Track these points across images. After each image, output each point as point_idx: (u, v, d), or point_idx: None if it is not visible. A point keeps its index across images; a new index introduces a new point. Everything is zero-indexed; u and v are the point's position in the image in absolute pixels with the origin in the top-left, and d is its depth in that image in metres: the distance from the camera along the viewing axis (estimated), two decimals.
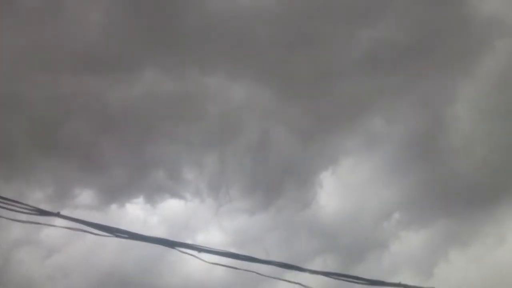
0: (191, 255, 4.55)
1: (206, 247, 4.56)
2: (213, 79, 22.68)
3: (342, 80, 22.74)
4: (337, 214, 23.26)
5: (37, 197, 16.88)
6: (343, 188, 24.42)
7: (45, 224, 4.25)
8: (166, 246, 4.51)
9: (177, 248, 4.52)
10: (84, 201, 18.06)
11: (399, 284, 5.24)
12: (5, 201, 4.03)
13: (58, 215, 4.19)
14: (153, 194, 19.96)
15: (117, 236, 4.34)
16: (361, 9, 23.23)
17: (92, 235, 4.38)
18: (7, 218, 4.04)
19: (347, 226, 23.27)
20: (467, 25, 21.86)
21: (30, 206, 4.17)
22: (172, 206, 20.22)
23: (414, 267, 21.99)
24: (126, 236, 4.35)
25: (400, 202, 23.20)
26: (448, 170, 22.34)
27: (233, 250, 4.85)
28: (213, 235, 21.82)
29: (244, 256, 4.68)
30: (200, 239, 21.02)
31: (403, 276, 21.27)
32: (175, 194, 20.23)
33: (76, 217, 4.27)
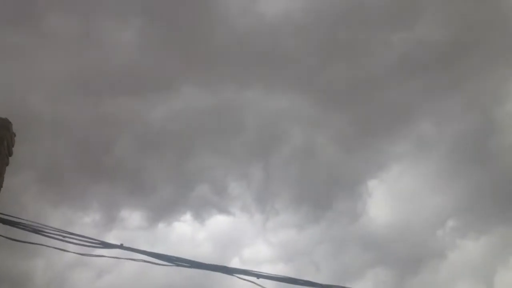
0: (250, 281, 4.50)
1: (265, 273, 4.51)
2: (251, 92, 22.77)
3: (383, 85, 22.32)
4: (388, 224, 22.60)
5: (85, 222, 17.19)
6: (393, 197, 23.74)
7: (109, 257, 4.32)
8: (225, 273, 4.49)
9: (235, 275, 4.49)
10: (133, 222, 18.32)
11: None
12: (71, 235, 4.14)
13: (121, 247, 4.26)
14: (200, 210, 20.11)
15: (178, 265, 4.36)
16: (395, 13, 22.77)
17: None
18: (74, 252, 4.14)
19: (400, 237, 22.52)
20: (508, 20, 21.05)
21: (95, 240, 4.26)
22: (219, 221, 20.27)
23: (473, 276, 21.05)
24: (188, 265, 4.36)
25: (454, 209, 22.30)
26: (502, 172, 21.39)
27: (281, 264, 4.78)
28: (261, 250, 21.71)
29: (303, 280, 4.60)
30: (247, 255, 20.99)
31: (462, 285, 20.51)
32: (222, 210, 20.29)
33: (138, 248, 4.32)
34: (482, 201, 21.34)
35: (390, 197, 24.32)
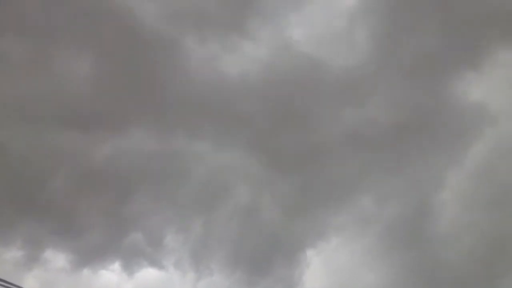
0: None
1: None
2: (201, 144, 22.43)
3: (331, 157, 22.83)
4: None
5: (5, 258, 15.52)
6: (329, 269, 23.53)
7: None
8: None
9: None
10: (56, 264, 16.70)
11: None
12: None
13: None
14: (131, 260, 18.69)
15: None
16: (349, 88, 23.98)
17: None
18: None
19: None
20: (456, 112, 22.67)
21: None
22: (149, 275, 18.90)
23: None
24: None
25: (384, 287, 22.44)
26: (434, 258, 21.92)
27: None
28: None
29: None
30: None
31: None
32: (154, 263, 19.00)
33: None
34: (413, 283, 21.63)
35: (327, 269, 24.14)
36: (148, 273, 18.92)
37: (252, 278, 19.84)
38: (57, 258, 16.75)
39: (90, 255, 17.83)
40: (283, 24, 23.67)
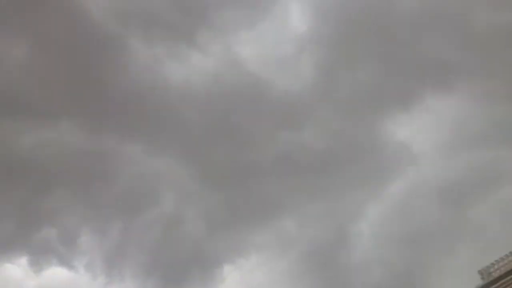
0: None
1: None
2: (132, 147, 22.03)
3: (261, 176, 23.21)
4: None
5: None
6: (245, 286, 23.69)
7: None
8: None
9: None
10: None
11: None
12: None
13: None
14: (40, 257, 17.87)
15: None
16: (289, 112, 24.60)
17: None
18: None
19: None
20: (383, 148, 23.82)
21: None
22: (58, 274, 18.12)
23: None
24: None
25: None
26: (346, 285, 22.69)
27: None
28: None
29: None
30: None
31: None
32: (64, 262, 18.29)
33: None
34: None
35: (242, 286, 24.30)
36: (57, 272, 18.16)
37: None
38: None
39: None
40: (232, 40, 24.10)
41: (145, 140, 21.72)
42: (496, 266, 11.09)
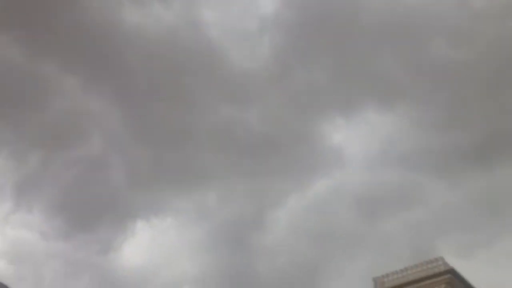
0: None
1: None
2: (73, 77, 20.91)
3: (197, 144, 23.00)
4: (135, 269, 22.17)
5: None
6: (154, 245, 23.68)
7: None
8: None
9: None
10: None
11: None
12: None
13: None
14: None
15: None
16: (239, 88, 24.50)
17: None
18: None
19: (139, 284, 22.20)
20: (317, 147, 24.53)
21: None
22: None
23: None
24: None
25: (195, 278, 23.20)
26: (252, 267, 23.35)
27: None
28: None
29: None
30: None
31: None
32: None
33: None
34: (222, 283, 22.68)
35: (151, 245, 24.25)
36: None
37: (71, 230, 19.13)
38: None
39: None
40: (198, 1, 23.55)
41: (85, 76, 20.79)
42: (390, 278, 11.88)
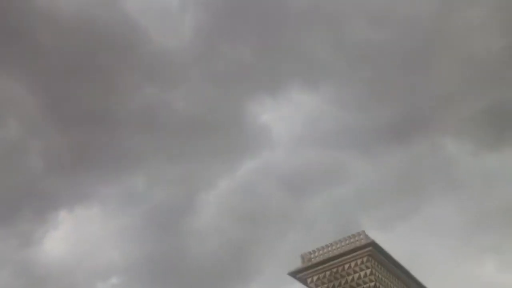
0: None
1: None
2: None
3: (118, 127, 22.05)
4: (59, 261, 21.13)
5: None
6: (78, 235, 22.66)
7: None
8: None
9: None
10: None
11: None
12: None
13: None
14: None
15: None
16: (163, 68, 23.76)
17: None
18: None
19: (63, 278, 21.28)
20: (245, 128, 24.61)
21: None
22: None
23: None
24: None
25: (124, 267, 22.60)
26: (183, 250, 23.14)
27: None
28: None
29: None
30: None
31: None
32: None
33: None
34: (151, 269, 22.31)
35: (76, 235, 23.18)
36: None
37: None
38: None
39: None
40: None
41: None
42: (316, 253, 12.29)
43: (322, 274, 11.93)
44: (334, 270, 11.80)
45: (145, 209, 22.93)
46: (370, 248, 11.71)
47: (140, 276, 21.54)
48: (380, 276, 11.77)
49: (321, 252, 12.34)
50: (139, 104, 21.44)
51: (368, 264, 11.61)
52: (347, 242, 12.11)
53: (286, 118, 27.24)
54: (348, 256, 11.77)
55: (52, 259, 20.28)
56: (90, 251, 22.07)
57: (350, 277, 11.60)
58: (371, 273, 11.44)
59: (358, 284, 11.44)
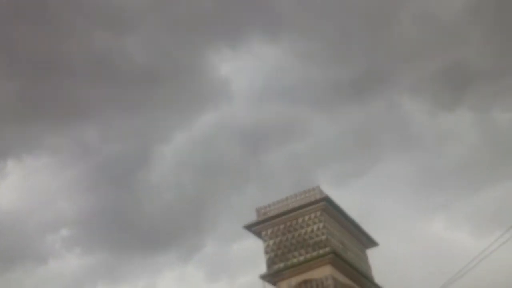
0: None
1: None
2: None
3: (69, 75, 20.78)
4: (6, 213, 20.36)
5: None
6: (28, 184, 21.76)
7: None
8: None
9: None
10: None
11: None
12: None
13: None
14: None
15: None
16: (110, 12, 22.32)
17: None
18: None
19: (12, 229, 20.59)
20: (202, 79, 23.91)
21: None
22: None
23: None
24: None
25: (74, 219, 22.00)
26: (138, 205, 22.77)
27: None
28: None
29: None
30: None
31: None
32: None
33: None
34: (104, 228, 21.88)
35: (25, 185, 22.27)
36: None
37: None
38: None
39: None
40: None
41: None
42: (272, 207, 12.36)
43: (276, 227, 12.08)
44: (288, 223, 11.97)
45: (98, 161, 22.23)
46: (323, 202, 11.86)
47: (92, 229, 21.15)
48: (332, 229, 12.01)
49: (276, 206, 12.42)
50: (91, 51, 20.31)
51: (321, 218, 11.80)
52: (302, 196, 12.23)
53: (246, 71, 26.70)
54: (302, 210, 11.93)
55: (0, 209, 19.56)
56: (39, 202, 21.41)
57: (303, 230, 11.79)
58: (323, 227, 11.65)
59: (311, 237, 11.65)
